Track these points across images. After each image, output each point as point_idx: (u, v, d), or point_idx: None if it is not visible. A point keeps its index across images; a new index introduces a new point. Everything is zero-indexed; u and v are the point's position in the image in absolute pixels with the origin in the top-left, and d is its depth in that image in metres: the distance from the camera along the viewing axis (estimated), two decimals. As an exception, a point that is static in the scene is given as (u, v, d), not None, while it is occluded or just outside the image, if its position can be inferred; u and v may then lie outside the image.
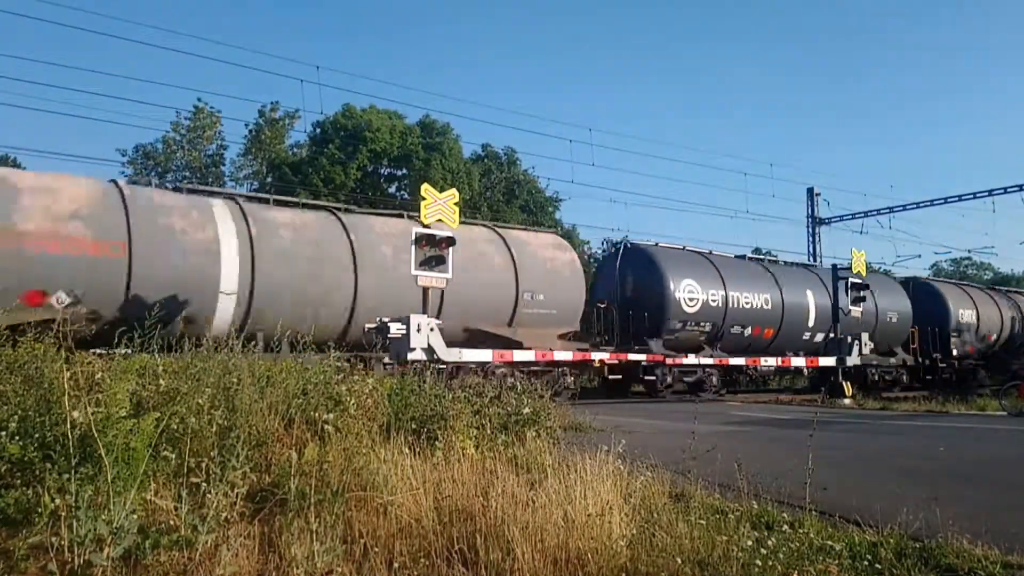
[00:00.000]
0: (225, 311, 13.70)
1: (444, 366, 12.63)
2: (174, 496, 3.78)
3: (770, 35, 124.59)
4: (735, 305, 21.67)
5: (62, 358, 4.55)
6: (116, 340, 7.01)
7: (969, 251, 44.58)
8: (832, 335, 21.82)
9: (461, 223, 14.26)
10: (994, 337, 29.70)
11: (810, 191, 36.58)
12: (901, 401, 20.04)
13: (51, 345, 5.83)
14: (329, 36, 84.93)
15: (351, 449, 4.79)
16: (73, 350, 5.25)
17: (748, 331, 22.17)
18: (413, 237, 12.89)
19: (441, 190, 14.01)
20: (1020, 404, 16.47)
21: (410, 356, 12.49)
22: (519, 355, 16.21)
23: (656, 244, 22.12)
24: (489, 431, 6.25)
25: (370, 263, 15.42)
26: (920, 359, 26.61)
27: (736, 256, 24.75)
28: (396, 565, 3.53)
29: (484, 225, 19.40)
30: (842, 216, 35.85)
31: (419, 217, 13.34)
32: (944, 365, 27.36)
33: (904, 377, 26.16)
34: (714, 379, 20.88)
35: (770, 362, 21.58)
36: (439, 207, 13.21)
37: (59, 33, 66.90)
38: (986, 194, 31.59)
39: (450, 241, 13.06)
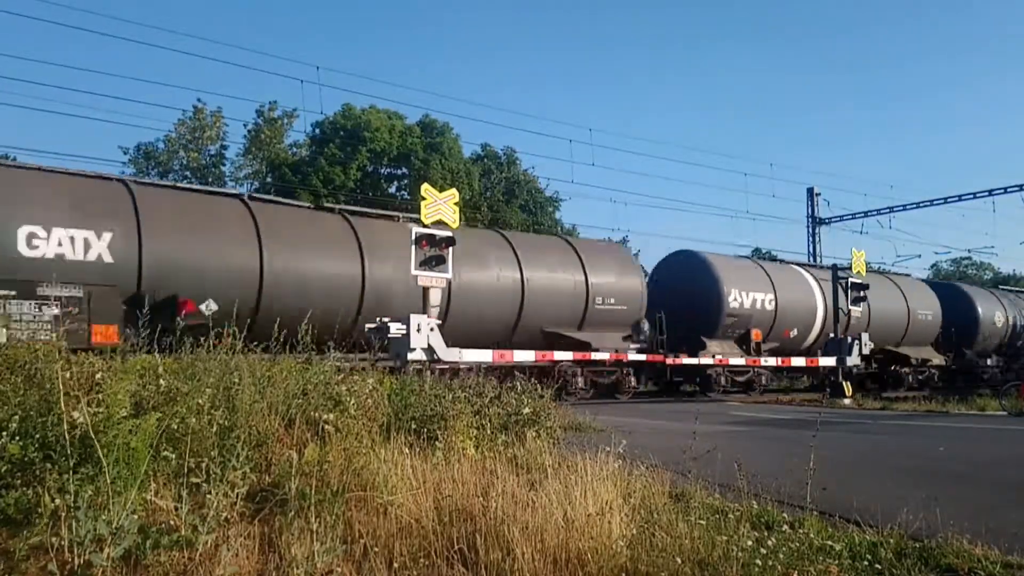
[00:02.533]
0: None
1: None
2: (174, 496, 3.78)
3: (770, 35, 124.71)
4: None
5: (62, 358, 4.55)
6: None
7: (969, 251, 44.62)
8: (833, 335, 21.82)
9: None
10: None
11: (810, 191, 36.56)
12: (901, 401, 20.03)
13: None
14: (329, 36, 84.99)
15: (351, 449, 4.79)
16: None
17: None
18: (413, 237, 12.90)
19: (441, 190, 14.02)
20: (1020, 404, 16.48)
21: (410, 356, 12.50)
22: (519, 355, 16.24)
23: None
24: (489, 431, 6.25)
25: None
26: None
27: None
28: (396, 565, 3.54)
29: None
30: (842, 216, 35.83)
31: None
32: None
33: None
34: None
35: (770, 362, 21.57)
36: (439, 207, 13.21)
37: (58, 33, 67.08)
38: (986, 194, 31.55)
39: (450, 241, 13.07)
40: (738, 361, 20.81)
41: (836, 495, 4.93)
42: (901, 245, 73.80)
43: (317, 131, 34.01)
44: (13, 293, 10.70)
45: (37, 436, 3.84)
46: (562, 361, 17.30)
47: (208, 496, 3.63)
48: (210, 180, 33.82)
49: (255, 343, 6.15)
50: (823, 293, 23.11)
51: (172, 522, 3.54)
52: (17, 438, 3.77)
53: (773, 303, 21.96)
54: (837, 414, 15.93)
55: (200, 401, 4.51)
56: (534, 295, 17.46)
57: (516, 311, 17.34)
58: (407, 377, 7.88)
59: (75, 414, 3.60)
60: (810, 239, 36.18)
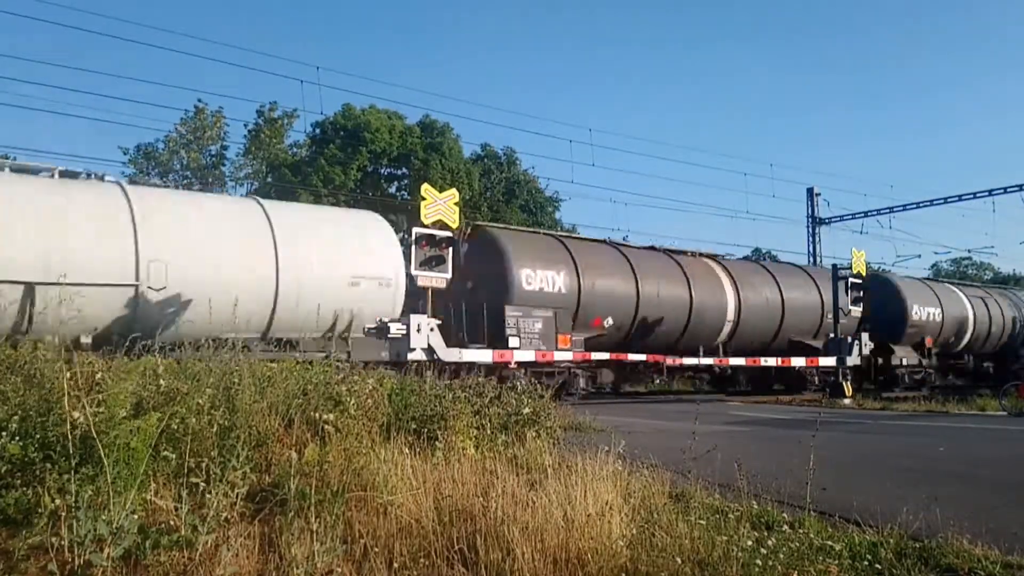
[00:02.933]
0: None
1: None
2: (174, 496, 3.78)
3: (770, 35, 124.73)
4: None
5: (63, 359, 4.55)
6: None
7: (969, 251, 44.63)
8: (832, 335, 21.83)
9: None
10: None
11: (810, 191, 36.61)
12: (901, 401, 20.02)
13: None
14: (329, 37, 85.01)
15: (351, 449, 4.79)
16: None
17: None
18: (413, 237, 12.90)
19: (441, 190, 14.02)
20: (1020, 404, 16.46)
21: (410, 356, 12.51)
22: (519, 355, 16.25)
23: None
24: (489, 431, 6.25)
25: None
26: None
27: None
28: (396, 565, 3.53)
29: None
30: (842, 216, 35.88)
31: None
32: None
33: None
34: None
35: (770, 362, 21.57)
36: (439, 207, 13.22)
37: (57, 33, 67.05)
38: (986, 194, 31.61)
39: (450, 241, 13.08)
40: (928, 362, 26.31)
41: (836, 495, 4.93)
42: (901, 245, 73.66)
43: (317, 131, 34.01)
44: (520, 313, 16.71)
45: (37, 436, 3.85)
46: (800, 365, 21.94)
47: (208, 496, 3.63)
48: (210, 180, 33.80)
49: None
50: (972, 307, 29.29)
51: (172, 522, 3.54)
52: (17, 438, 3.78)
53: (940, 316, 27.48)
54: (837, 414, 15.92)
55: (200, 401, 4.52)
56: (790, 312, 22.57)
57: (777, 325, 22.41)
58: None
59: (75, 414, 3.60)
60: (810, 239, 36.24)
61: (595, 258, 19.04)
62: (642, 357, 18.78)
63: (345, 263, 13.81)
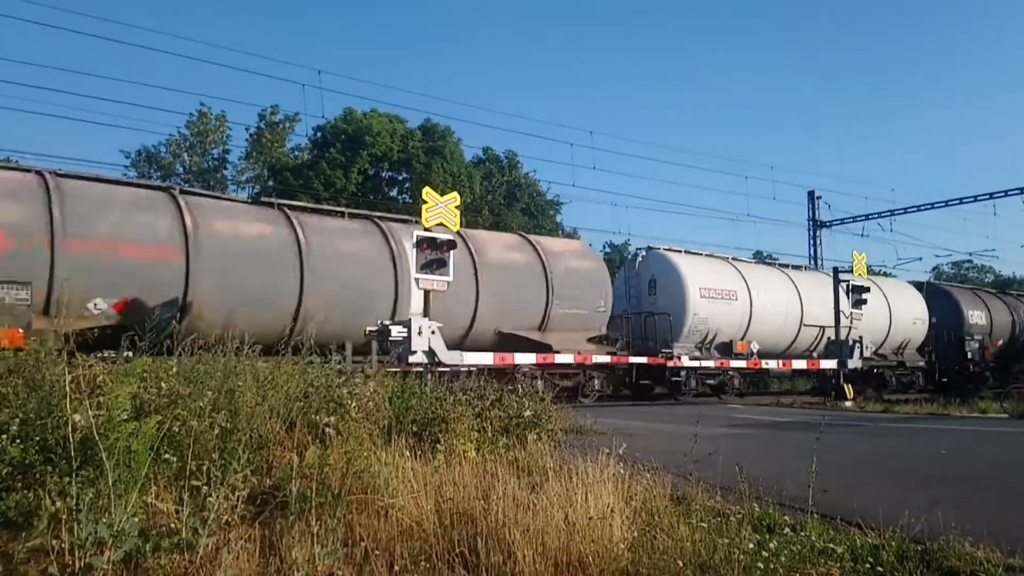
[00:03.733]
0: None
1: None
2: (175, 499, 3.78)
3: (770, 39, 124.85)
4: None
5: (64, 361, 4.55)
6: None
7: (970, 254, 44.67)
8: (833, 337, 21.81)
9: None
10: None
11: (811, 194, 36.59)
12: (903, 403, 19.99)
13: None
14: (331, 40, 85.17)
15: (352, 452, 4.79)
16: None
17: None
18: (415, 240, 12.89)
19: (442, 193, 14.02)
20: (1021, 407, 16.43)
21: (411, 359, 12.49)
22: (519, 358, 16.27)
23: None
24: (490, 434, 6.25)
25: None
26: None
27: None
28: (397, 568, 3.53)
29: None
30: (843, 219, 35.86)
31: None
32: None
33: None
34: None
35: (771, 364, 21.56)
36: (440, 210, 13.20)
37: (60, 36, 67.14)
38: (987, 197, 31.60)
39: (451, 244, 13.06)
40: None
41: (838, 498, 4.91)
42: (902, 248, 73.67)
43: (318, 135, 34.06)
44: (968, 339, 27.54)
45: (37, 439, 3.85)
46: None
47: (209, 499, 3.63)
48: (212, 184, 33.87)
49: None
50: None
51: (173, 525, 3.54)
52: (18, 441, 3.78)
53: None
54: (839, 416, 15.89)
55: (201, 404, 4.51)
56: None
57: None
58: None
59: (76, 416, 3.60)
60: (811, 242, 36.22)
61: (994, 302, 30.48)
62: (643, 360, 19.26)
63: (908, 310, 26.44)
